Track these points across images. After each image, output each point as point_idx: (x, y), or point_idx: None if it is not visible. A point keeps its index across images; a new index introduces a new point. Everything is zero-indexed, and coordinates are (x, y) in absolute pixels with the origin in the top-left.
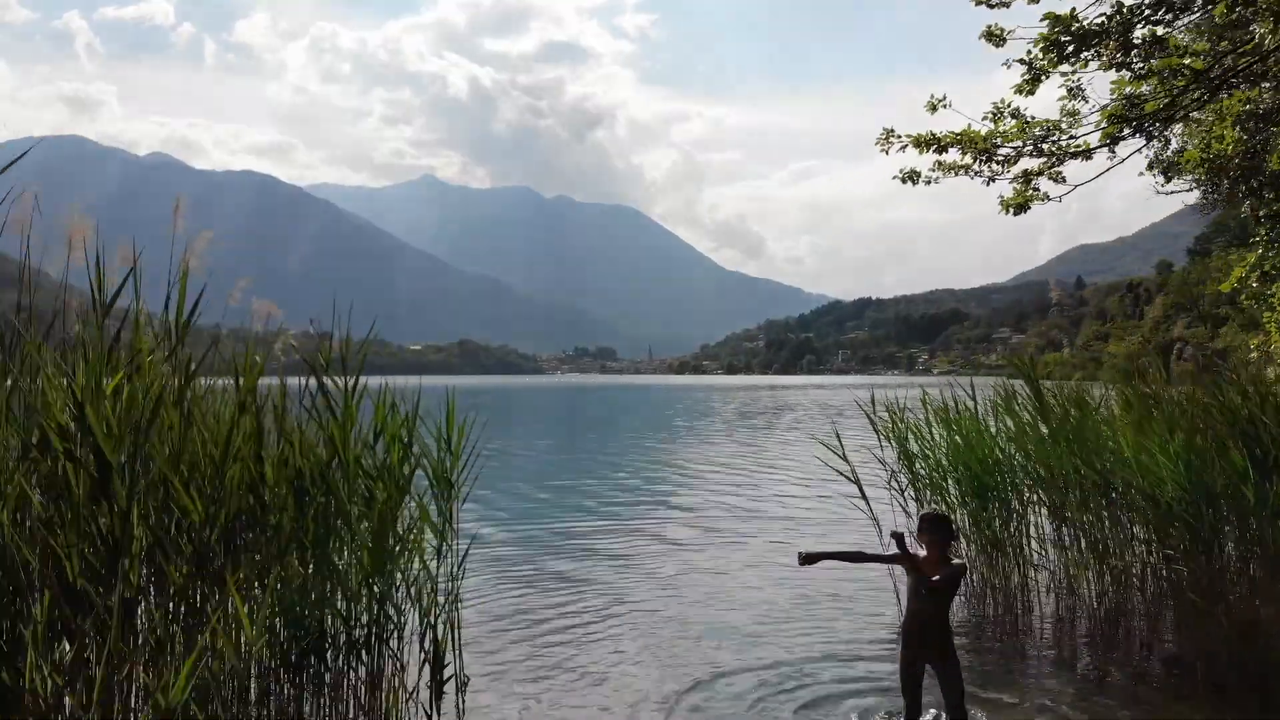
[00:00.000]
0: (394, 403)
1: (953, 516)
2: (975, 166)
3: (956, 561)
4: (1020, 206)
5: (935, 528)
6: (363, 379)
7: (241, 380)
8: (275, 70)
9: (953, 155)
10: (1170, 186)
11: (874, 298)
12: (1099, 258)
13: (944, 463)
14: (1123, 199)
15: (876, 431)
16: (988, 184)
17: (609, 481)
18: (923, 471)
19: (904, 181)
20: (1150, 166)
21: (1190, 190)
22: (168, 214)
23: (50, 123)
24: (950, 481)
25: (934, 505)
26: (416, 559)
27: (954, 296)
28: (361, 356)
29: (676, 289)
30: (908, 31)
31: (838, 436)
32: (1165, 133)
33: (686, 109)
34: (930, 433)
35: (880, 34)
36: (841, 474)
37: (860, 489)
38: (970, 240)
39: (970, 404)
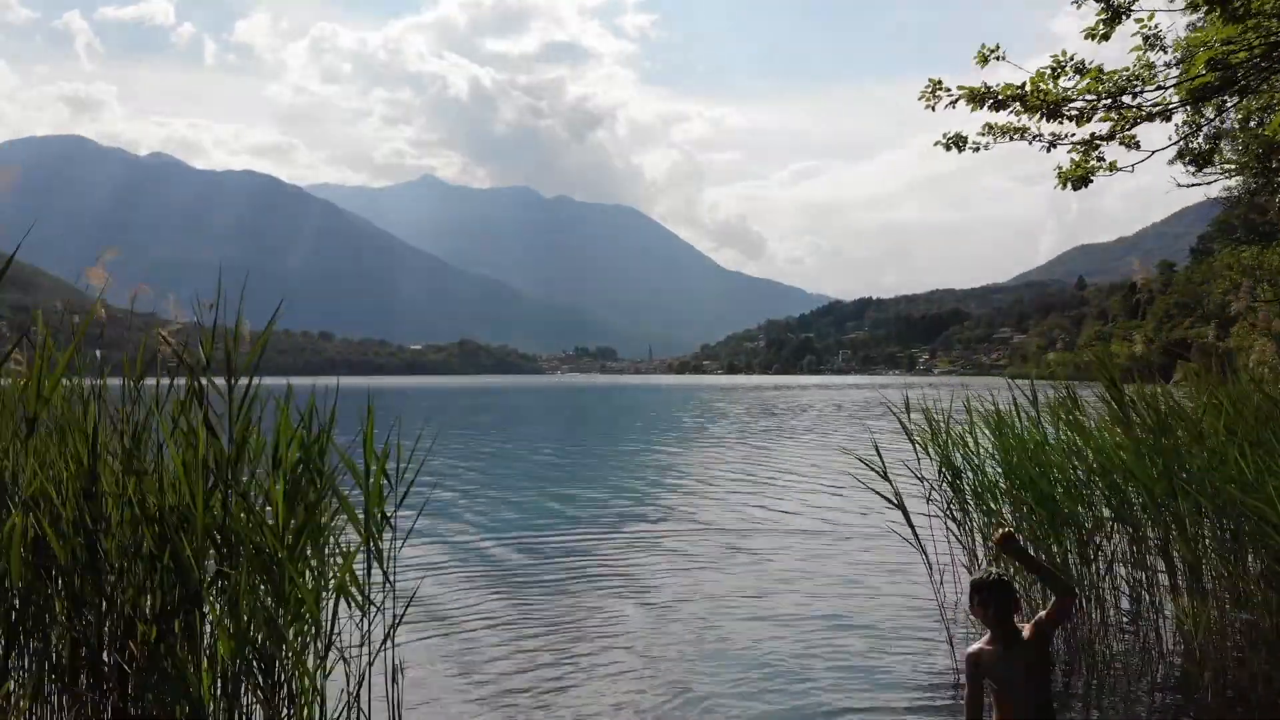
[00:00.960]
0: (309, 415)
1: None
2: (1034, 128)
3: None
4: (1081, 179)
5: (996, 595)
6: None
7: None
8: (275, 70)
9: (1004, 117)
10: (1191, 179)
11: (874, 297)
12: (1099, 258)
13: (1000, 482)
14: (1123, 199)
15: (911, 440)
16: (1048, 149)
17: (601, 490)
18: (970, 487)
19: (948, 148)
20: (1181, 154)
21: (1212, 182)
22: (168, 214)
23: (50, 123)
24: (1006, 502)
25: (994, 565)
26: (324, 633)
27: (954, 296)
28: (257, 350)
29: (676, 289)
30: (908, 32)
31: (876, 449)
32: (1264, 85)
33: (686, 109)
34: (975, 441)
35: (880, 35)
36: (882, 496)
37: (907, 517)
38: (970, 240)
39: (1016, 409)
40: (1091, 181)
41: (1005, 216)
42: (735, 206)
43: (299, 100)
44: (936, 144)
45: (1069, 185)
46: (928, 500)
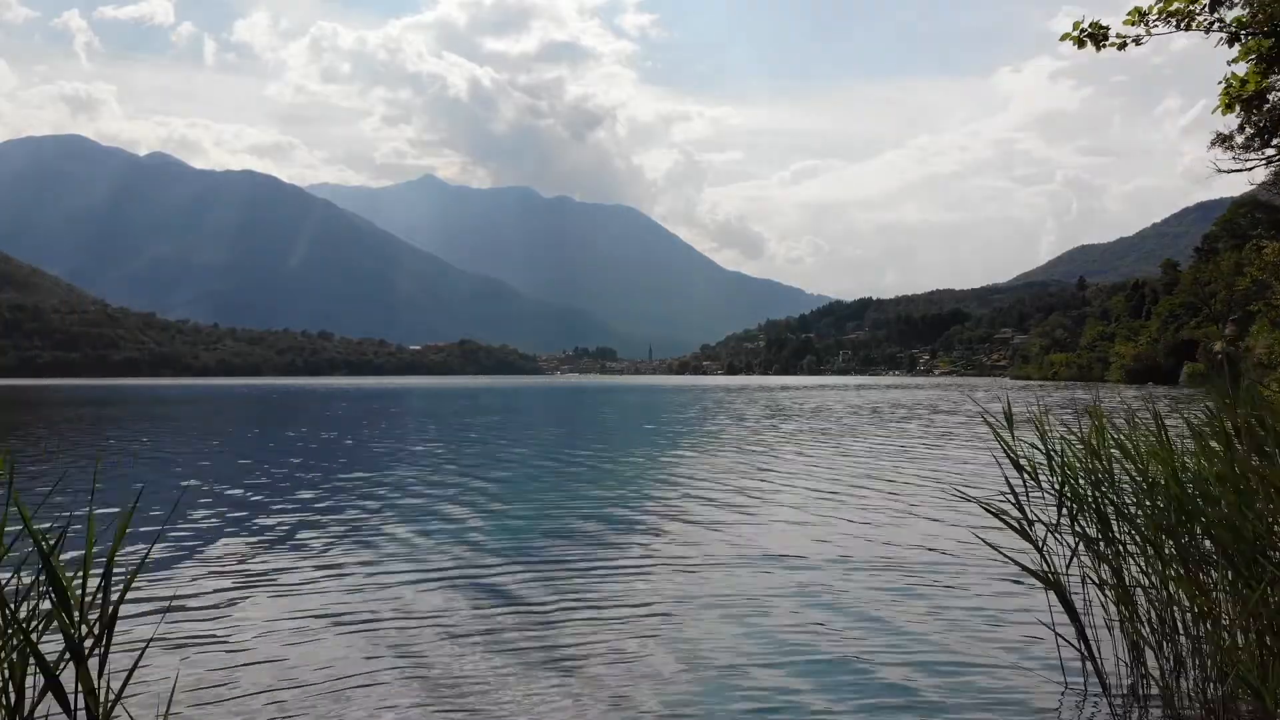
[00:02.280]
0: None
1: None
2: (1203, 15)
3: None
4: (1258, 95)
5: None
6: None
7: None
8: (275, 70)
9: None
10: (1232, 164)
11: (874, 298)
12: (1100, 258)
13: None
14: (1122, 199)
15: (1017, 465)
16: (1229, 41)
17: (605, 504)
18: (1126, 537)
19: (1080, 44)
20: (1228, 136)
21: (1252, 168)
22: (168, 213)
23: (49, 122)
24: (1181, 565)
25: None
26: None
27: (955, 297)
28: None
29: (676, 289)
30: (908, 32)
31: (1010, 489)
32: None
33: (687, 109)
34: (1106, 465)
35: (880, 35)
36: (1030, 572)
37: (1070, 610)
38: (970, 241)
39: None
40: (1268, 103)
41: (1005, 217)
42: (735, 207)
43: (299, 100)
44: (1065, 38)
45: (1232, 108)
46: (1040, 549)
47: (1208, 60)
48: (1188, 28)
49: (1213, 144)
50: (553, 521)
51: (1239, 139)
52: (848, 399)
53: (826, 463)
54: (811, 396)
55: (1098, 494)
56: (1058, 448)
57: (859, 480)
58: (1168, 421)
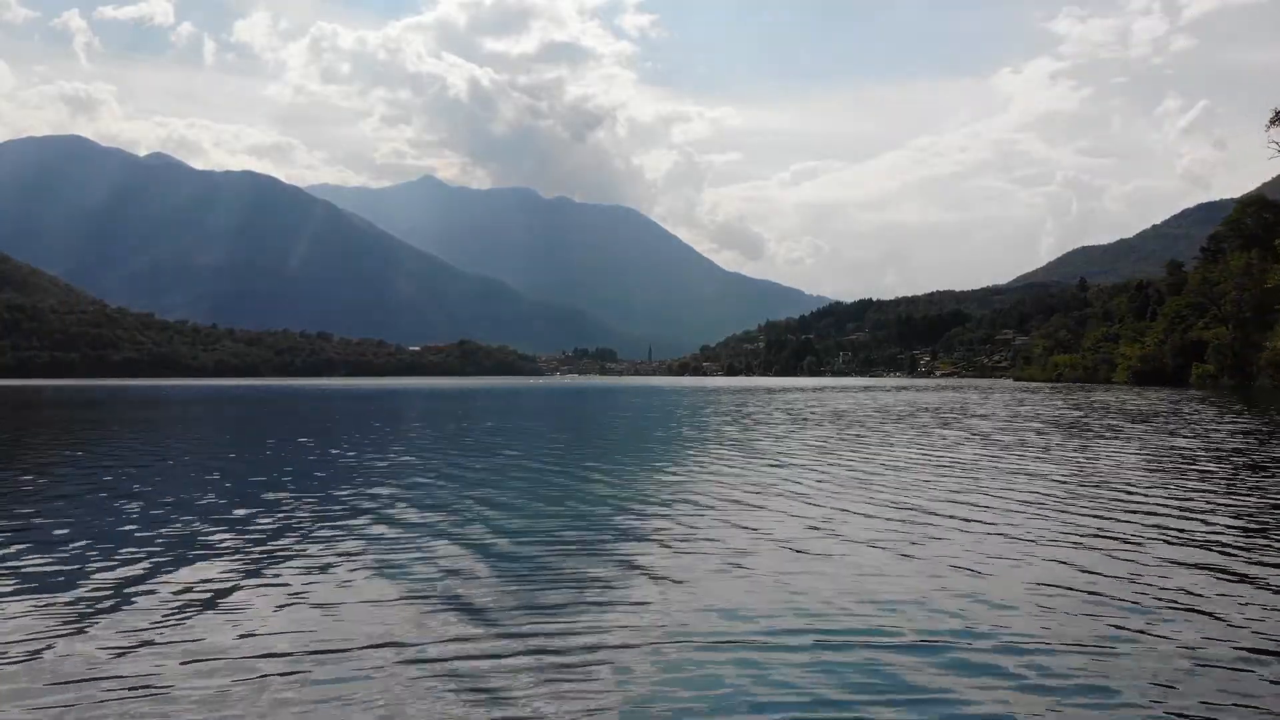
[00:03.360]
0: None
1: None
2: None
3: None
4: None
5: None
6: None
7: None
8: (275, 70)
9: None
10: None
11: (874, 299)
12: (1100, 259)
13: None
14: (1122, 200)
15: None
16: None
17: (633, 518)
18: None
19: None
20: None
21: None
22: (167, 214)
23: (49, 122)
24: None
25: None
26: None
27: (955, 298)
28: None
29: (676, 290)
30: (908, 33)
31: None
32: None
33: (687, 110)
34: None
35: (880, 35)
36: None
37: None
38: (970, 242)
39: None
40: None
41: (1004, 218)
42: (735, 207)
43: (298, 100)
44: None
45: None
46: None
47: (1207, 61)
48: None
49: (1271, 123)
50: (571, 547)
51: None
52: (861, 401)
53: (882, 477)
54: (822, 399)
55: None
56: None
57: (932, 501)
58: None
